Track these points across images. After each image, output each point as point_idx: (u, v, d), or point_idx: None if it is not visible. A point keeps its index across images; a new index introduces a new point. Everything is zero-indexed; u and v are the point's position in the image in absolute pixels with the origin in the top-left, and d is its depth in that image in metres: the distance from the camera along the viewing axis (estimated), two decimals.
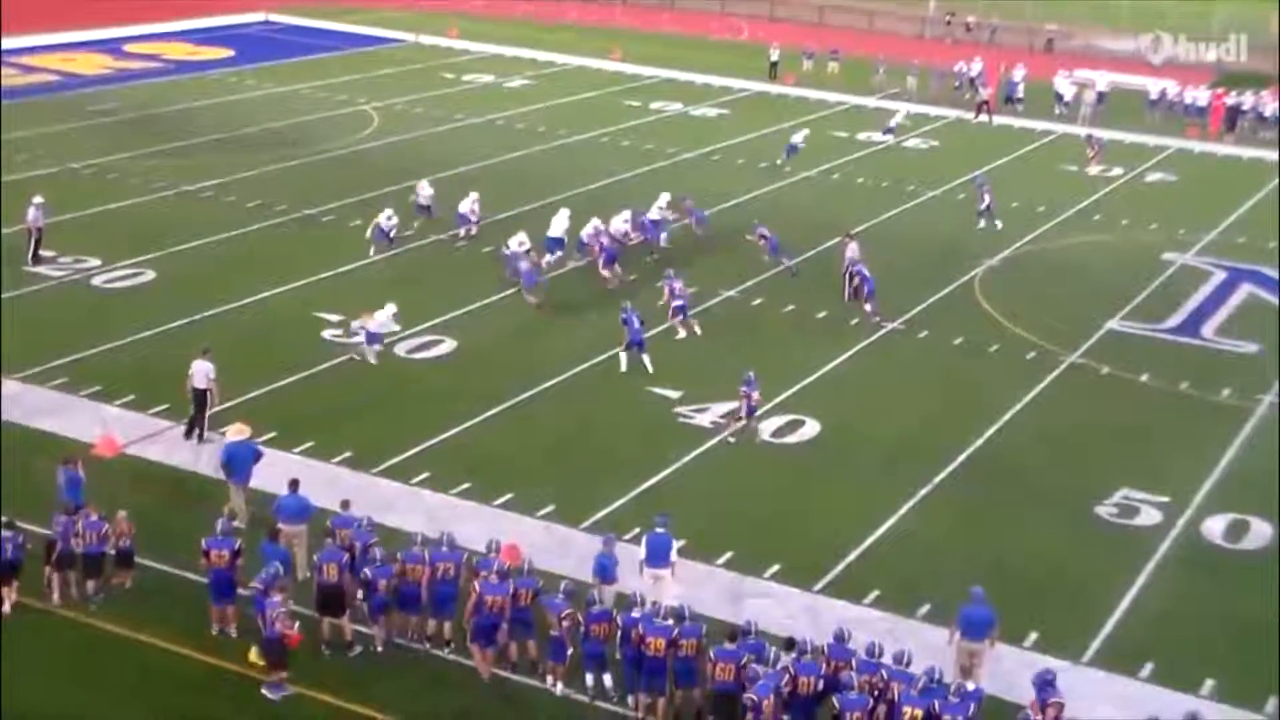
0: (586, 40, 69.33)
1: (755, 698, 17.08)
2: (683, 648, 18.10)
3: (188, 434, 25.23)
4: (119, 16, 66.36)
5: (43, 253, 33.72)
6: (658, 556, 20.20)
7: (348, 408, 27.13)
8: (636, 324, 29.31)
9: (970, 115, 56.41)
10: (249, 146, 46.35)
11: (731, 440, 26.28)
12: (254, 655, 18.84)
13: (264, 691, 18.31)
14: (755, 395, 26.48)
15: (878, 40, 72.69)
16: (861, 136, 52.34)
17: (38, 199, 34.12)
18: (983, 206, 40.86)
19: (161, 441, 25.18)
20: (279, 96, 54.69)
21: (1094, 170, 48.45)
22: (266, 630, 18.24)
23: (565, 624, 18.58)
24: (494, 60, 64.46)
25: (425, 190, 37.83)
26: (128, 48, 62.59)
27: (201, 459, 24.44)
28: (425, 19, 72.81)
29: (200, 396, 25.06)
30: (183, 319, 30.99)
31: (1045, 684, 17.16)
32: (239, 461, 22.55)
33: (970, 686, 17.48)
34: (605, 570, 19.92)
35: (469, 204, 37.23)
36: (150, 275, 33.87)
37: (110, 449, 24.69)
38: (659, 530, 20.37)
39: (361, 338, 29.16)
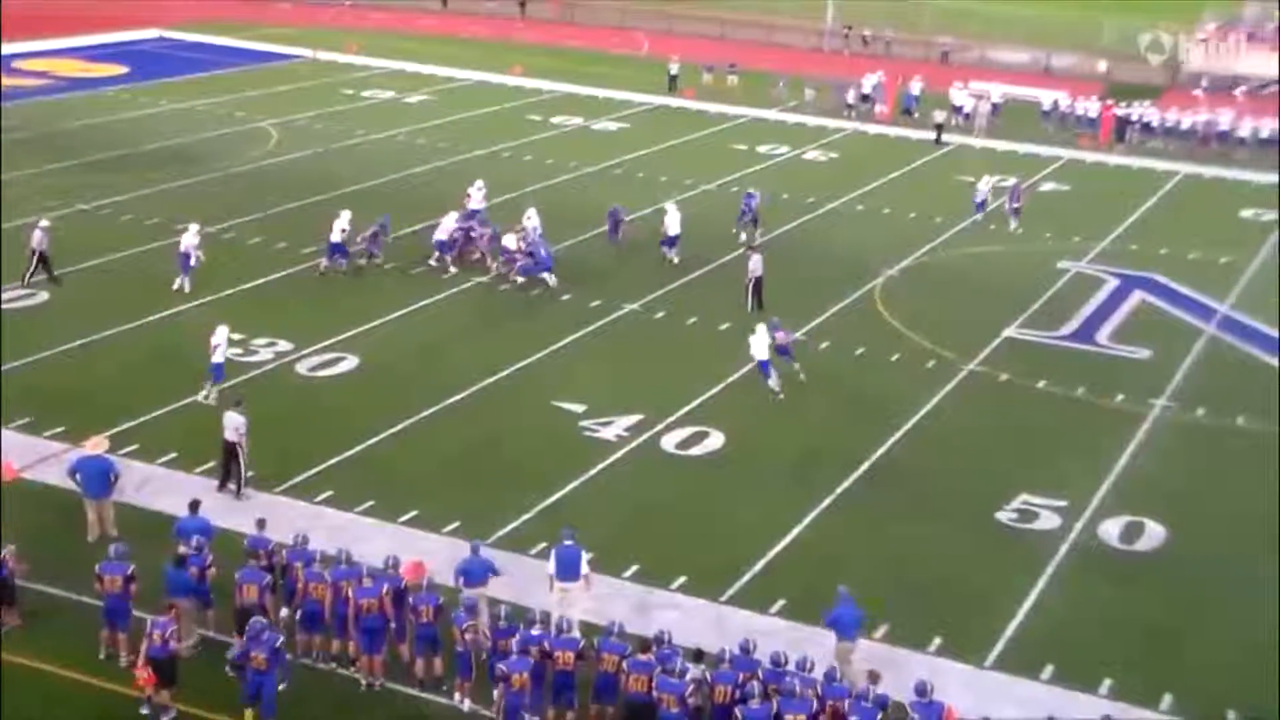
0: (488, 55, 69.19)
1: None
2: (605, 663, 18.10)
3: (220, 486, 24.18)
4: (7, 33, 65.03)
5: (38, 278, 33.66)
6: (567, 569, 20.12)
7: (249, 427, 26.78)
8: None
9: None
10: (146, 164, 45.67)
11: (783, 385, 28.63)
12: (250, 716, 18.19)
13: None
14: (781, 335, 29.59)
15: (776, 54, 73.38)
16: (761, 149, 52.74)
17: (44, 223, 34.04)
18: (1014, 206, 43.52)
19: (56, 464, 24.68)
20: (176, 113, 53.96)
21: (1013, 224, 43.36)
22: (151, 649, 17.99)
23: (468, 638, 18.53)
24: (395, 76, 64.13)
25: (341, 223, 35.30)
26: (17, 64, 61.40)
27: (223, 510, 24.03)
28: (324, 35, 72.27)
29: (229, 449, 24.21)
30: (79, 340, 30.49)
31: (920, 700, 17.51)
32: (89, 475, 22.22)
33: (877, 691, 17.67)
34: (469, 575, 19.97)
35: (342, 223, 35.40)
36: (44, 296, 33.26)
37: (7, 473, 24.20)
38: (567, 543, 20.32)
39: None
